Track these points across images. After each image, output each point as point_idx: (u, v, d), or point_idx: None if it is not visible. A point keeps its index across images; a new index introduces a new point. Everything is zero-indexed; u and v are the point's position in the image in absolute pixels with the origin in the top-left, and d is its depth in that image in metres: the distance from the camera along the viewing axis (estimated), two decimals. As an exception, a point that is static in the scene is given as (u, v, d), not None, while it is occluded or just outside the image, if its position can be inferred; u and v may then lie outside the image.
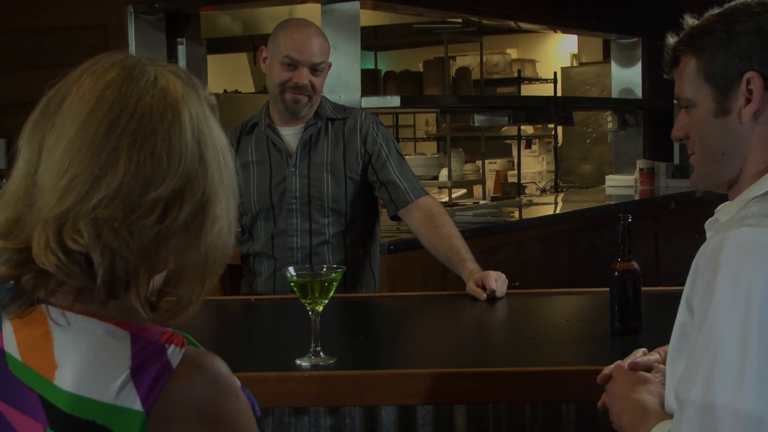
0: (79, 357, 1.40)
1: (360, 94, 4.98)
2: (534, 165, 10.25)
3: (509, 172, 9.39)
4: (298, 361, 2.35)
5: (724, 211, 1.78)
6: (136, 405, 1.36)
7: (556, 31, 8.35)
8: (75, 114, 1.40)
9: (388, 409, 2.33)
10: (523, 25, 7.39)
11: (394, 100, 5.25)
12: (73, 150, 1.38)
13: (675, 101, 1.85)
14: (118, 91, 1.40)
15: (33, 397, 1.40)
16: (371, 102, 5.16)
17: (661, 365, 1.95)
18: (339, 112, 3.46)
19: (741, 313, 1.53)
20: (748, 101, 1.71)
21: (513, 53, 10.48)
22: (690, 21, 1.82)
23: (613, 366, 1.97)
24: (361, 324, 2.83)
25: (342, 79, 4.83)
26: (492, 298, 3.04)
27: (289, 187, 3.36)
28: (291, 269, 2.42)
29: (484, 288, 3.05)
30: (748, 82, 1.71)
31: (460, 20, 6.92)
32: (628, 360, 1.97)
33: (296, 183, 3.36)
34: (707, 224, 1.85)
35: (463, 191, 8.42)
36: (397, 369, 2.33)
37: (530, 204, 6.63)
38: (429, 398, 2.28)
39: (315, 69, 3.31)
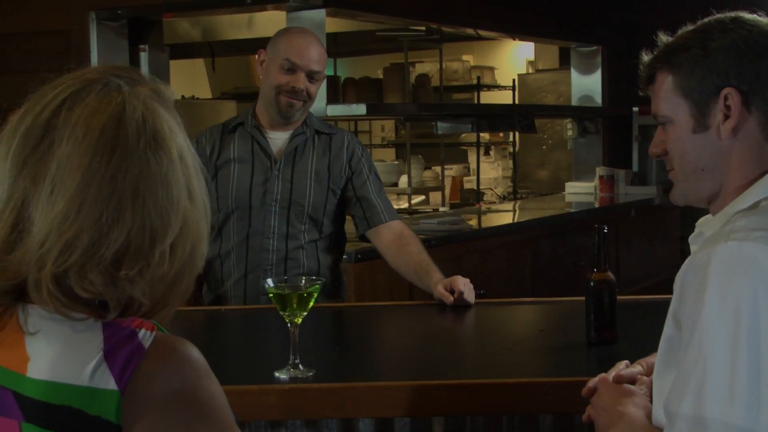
0: (52, 347, 1.41)
1: (326, 101, 4.97)
2: (490, 171, 10.28)
3: (465, 178, 9.42)
4: (276, 374, 2.33)
5: (708, 226, 1.80)
6: (111, 385, 1.38)
7: (515, 39, 8.38)
8: (74, 166, 1.40)
9: (366, 421, 2.32)
10: (483, 33, 7.40)
11: (360, 108, 5.24)
12: (77, 204, 1.39)
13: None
14: (114, 139, 1.41)
15: (6, 395, 1.42)
16: (337, 110, 5.15)
17: (645, 377, 1.96)
18: (326, 127, 3.48)
19: (730, 327, 1.54)
20: (727, 117, 1.73)
21: (470, 60, 10.51)
22: (664, 38, 1.84)
23: (597, 379, 1.98)
24: (336, 335, 2.82)
25: (307, 86, 4.80)
26: (461, 305, 3.04)
27: (271, 189, 3.35)
28: (269, 281, 2.41)
29: (452, 293, 3.06)
30: (726, 98, 1.72)
31: (423, 28, 6.92)
32: (612, 373, 1.98)
33: (279, 186, 3.36)
34: (691, 238, 1.86)
35: (422, 198, 8.43)
36: (375, 381, 2.33)
37: (489, 211, 6.64)
38: (408, 410, 2.27)
39: (312, 76, 3.33)
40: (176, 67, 9.63)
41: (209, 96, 10.30)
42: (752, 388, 1.52)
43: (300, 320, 2.37)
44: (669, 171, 1.84)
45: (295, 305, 2.35)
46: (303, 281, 2.42)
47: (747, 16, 1.77)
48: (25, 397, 1.41)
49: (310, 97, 3.37)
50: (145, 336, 1.42)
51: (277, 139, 3.41)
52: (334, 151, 3.43)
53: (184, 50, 8.07)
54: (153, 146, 1.44)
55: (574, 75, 7.88)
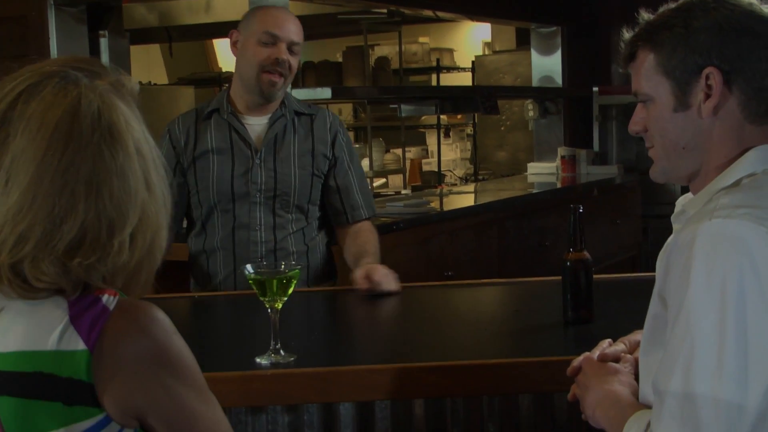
0: (18, 321, 1.47)
1: (290, 86, 4.94)
2: (449, 153, 10.30)
3: (424, 161, 9.43)
4: (258, 360, 2.32)
5: (690, 204, 1.81)
6: (80, 346, 1.45)
7: (473, 20, 8.38)
8: (27, 157, 1.44)
9: (347, 405, 2.32)
10: (442, 15, 7.40)
11: (325, 92, 5.21)
12: (29, 197, 1.44)
13: (633, 95, 1.87)
14: (68, 133, 1.46)
15: None
16: (301, 94, 5.10)
17: (629, 355, 1.98)
18: (305, 108, 3.38)
19: (717, 304, 1.55)
20: (708, 96, 1.74)
21: (428, 42, 10.50)
22: (645, 16, 1.84)
23: (581, 358, 1.99)
24: (317, 320, 2.81)
25: (270, 71, 4.77)
26: (378, 294, 3.02)
27: (254, 179, 3.24)
28: (249, 267, 2.40)
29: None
30: (708, 78, 1.73)
31: (384, 10, 6.91)
32: (596, 351, 1.99)
33: (262, 175, 3.25)
34: (673, 217, 1.88)
35: (383, 181, 8.43)
36: (356, 365, 2.32)
37: (451, 193, 6.65)
38: (390, 393, 2.28)
39: (292, 49, 3.23)
40: (133, 52, 9.58)
41: (166, 81, 10.23)
42: (740, 363, 1.53)
43: (280, 305, 2.36)
44: (649, 148, 1.85)
45: (275, 290, 2.34)
46: (282, 266, 2.41)
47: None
48: None
49: (291, 71, 3.25)
50: (109, 300, 1.49)
51: (256, 124, 3.30)
52: (317, 133, 3.32)
53: (141, 35, 8.00)
54: (108, 139, 1.48)
55: (534, 56, 7.89)
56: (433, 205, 5.65)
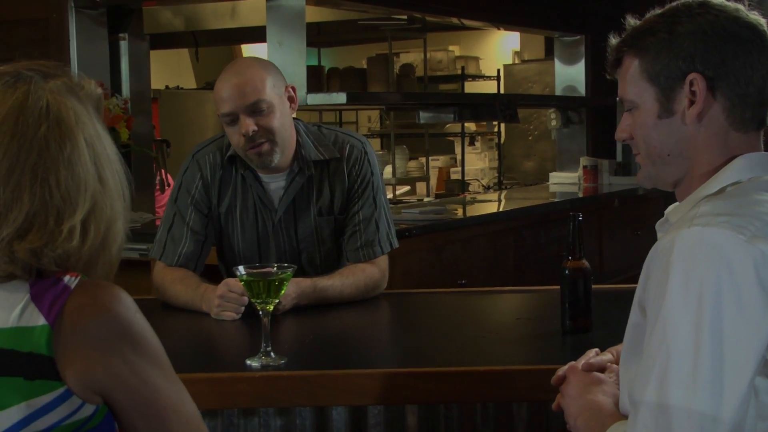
0: None
1: (306, 90, 4.94)
2: (476, 162, 10.28)
3: (452, 169, 9.41)
4: (248, 362, 2.32)
5: (674, 212, 1.79)
6: (40, 321, 1.48)
7: (499, 29, 8.36)
8: None
9: (339, 409, 2.31)
10: (467, 22, 7.39)
11: (340, 97, 5.22)
12: None
13: (618, 101, 1.86)
14: (14, 126, 1.52)
15: None
16: (317, 99, 5.14)
17: (615, 365, 1.96)
18: (325, 150, 3.08)
19: (693, 313, 1.54)
20: (692, 103, 1.72)
21: (456, 50, 10.50)
22: (632, 21, 1.83)
23: (566, 367, 1.97)
24: (311, 323, 2.80)
25: (288, 75, 4.73)
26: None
27: (278, 244, 3.07)
28: (240, 268, 2.39)
29: None
30: (691, 84, 1.72)
31: (405, 17, 6.90)
32: (581, 361, 1.97)
33: (284, 240, 3.07)
34: (658, 225, 1.86)
35: (407, 188, 8.42)
36: (348, 369, 2.31)
37: (474, 201, 6.64)
38: (381, 398, 2.27)
39: (255, 110, 2.90)
40: (161, 57, 9.64)
41: (194, 86, 10.28)
42: (715, 374, 1.51)
43: (271, 308, 2.35)
44: (635, 155, 1.84)
45: (266, 293, 2.34)
46: (275, 268, 2.40)
47: (714, 0, 1.76)
48: None
49: (270, 132, 2.92)
50: (70, 280, 1.53)
51: (273, 183, 3.06)
52: (334, 181, 3.08)
53: (168, 40, 8.05)
54: (56, 132, 1.53)
55: (558, 65, 7.87)
56: (458, 213, 5.64)
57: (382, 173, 6.73)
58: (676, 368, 1.53)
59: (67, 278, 1.53)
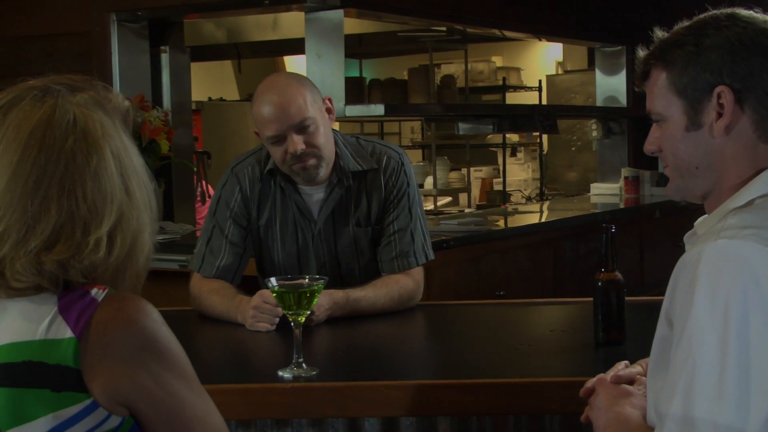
0: (10, 315, 1.54)
1: (344, 102, 4.96)
2: (519, 173, 10.26)
3: (495, 180, 9.39)
4: (280, 373, 2.33)
5: (702, 224, 1.78)
6: (67, 334, 1.50)
7: (540, 40, 8.34)
8: (4, 165, 1.54)
9: (372, 421, 2.32)
10: (508, 33, 7.38)
11: (378, 109, 5.23)
12: (5, 202, 1.52)
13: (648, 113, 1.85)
14: (41, 139, 1.54)
15: None
16: (355, 110, 5.15)
17: (644, 377, 1.94)
18: (363, 161, 3.09)
19: (719, 326, 1.53)
20: (720, 115, 1.71)
21: (498, 61, 10.48)
22: (660, 34, 1.82)
23: (595, 379, 1.96)
24: (344, 335, 2.81)
25: (326, 87, 4.79)
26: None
27: (317, 256, 3.08)
28: (273, 279, 2.41)
29: None
30: (719, 96, 1.71)
31: (444, 28, 6.90)
32: (610, 373, 1.96)
33: (324, 254, 3.08)
34: (686, 237, 1.85)
35: (449, 199, 8.41)
36: (380, 381, 2.32)
37: (515, 212, 6.62)
38: (412, 410, 2.27)
39: (302, 129, 2.92)
40: (205, 69, 9.73)
41: (237, 97, 10.34)
42: (741, 387, 1.50)
43: (303, 319, 2.36)
44: (664, 168, 1.83)
45: (297, 304, 2.35)
46: (306, 280, 2.42)
47: (743, 12, 1.74)
48: None
49: (316, 147, 2.94)
50: (98, 293, 1.55)
51: (313, 194, 3.07)
52: (370, 189, 3.09)
53: (211, 52, 8.10)
54: (83, 145, 1.56)
55: (599, 75, 7.83)
56: (499, 224, 5.63)
57: (423, 184, 6.71)
58: (702, 382, 1.52)
59: (94, 291, 1.55)
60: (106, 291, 1.55)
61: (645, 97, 1.85)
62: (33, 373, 1.50)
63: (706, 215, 1.82)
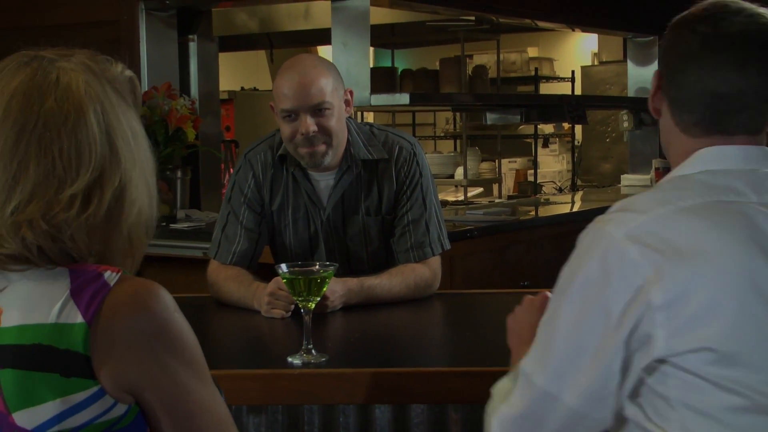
0: (21, 296, 1.52)
1: (369, 91, 4.95)
2: (554, 164, 10.22)
3: (529, 171, 9.36)
4: (289, 359, 2.34)
5: None
6: (78, 319, 1.49)
7: (573, 30, 8.29)
8: None
9: (383, 408, 2.32)
10: (540, 24, 7.34)
11: (404, 98, 5.22)
12: None
13: None
14: (22, 100, 1.54)
15: None
16: (381, 99, 5.14)
17: None
18: (374, 150, 3.09)
19: (562, 296, 1.65)
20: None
21: (533, 52, 10.45)
22: None
23: (529, 297, 2.03)
24: (357, 322, 2.81)
25: (351, 76, 4.79)
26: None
27: (327, 242, 3.09)
28: (283, 266, 2.42)
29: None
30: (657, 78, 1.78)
31: (473, 18, 6.88)
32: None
33: (333, 241, 3.09)
34: None
35: (480, 190, 8.39)
36: (389, 368, 2.32)
37: (546, 203, 6.59)
38: (422, 397, 2.27)
39: (318, 111, 2.93)
40: (239, 58, 9.76)
41: (269, 87, 10.33)
42: (566, 356, 1.62)
43: (313, 305, 2.37)
44: None
45: (307, 291, 2.36)
46: (317, 266, 2.42)
47: (730, 5, 1.73)
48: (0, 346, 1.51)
49: (330, 134, 2.95)
50: (111, 276, 1.53)
51: (322, 181, 3.08)
52: (381, 178, 3.08)
53: (243, 42, 8.12)
54: (63, 104, 1.54)
55: (631, 66, 7.76)
56: (530, 213, 5.61)
57: (453, 175, 6.68)
58: (536, 343, 1.68)
59: (107, 274, 1.53)
60: (119, 274, 1.54)
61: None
62: (43, 357, 1.50)
63: None
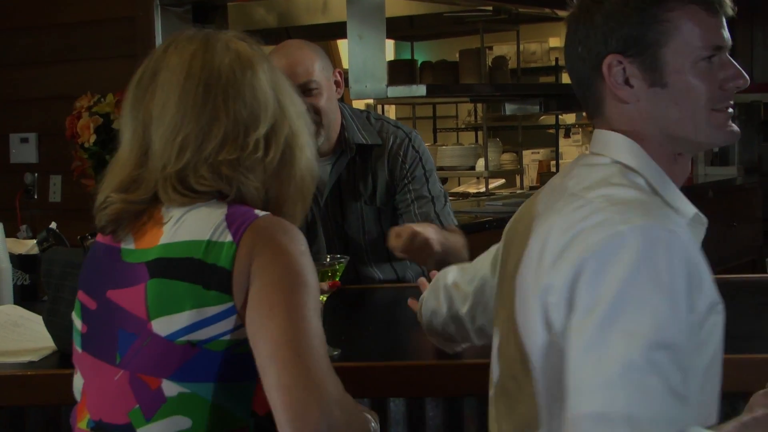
0: (183, 221, 1.72)
1: (386, 83, 4.93)
2: (576, 154, 10.13)
3: (552, 162, 9.30)
4: (301, 353, 2.31)
5: None
6: (228, 238, 1.67)
7: (593, 18, 8.21)
8: (172, 86, 1.75)
9: (397, 401, 2.31)
10: (560, 13, 7.28)
11: (420, 89, 5.20)
12: (179, 115, 1.73)
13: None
14: (202, 59, 1.75)
15: (139, 267, 1.72)
16: (397, 92, 5.11)
17: None
18: (369, 135, 3.13)
19: None
20: None
21: (554, 42, 10.37)
22: None
23: None
24: (367, 315, 2.80)
25: (368, 68, 4.78)
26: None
27: (325, 230, 3.12)
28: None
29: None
30: None
31: (490, 8, 6.84)
32: None
33: (331, 229, 3.13)
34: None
35: (502, 181, 8.35)
36: (403, 361, 2.30)
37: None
38: (435, 390, 2.26)
39: (304, 90, 2.95)
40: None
41: (290, 82, 10.32)
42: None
43: (324, 298, 2.35)
44: (732, 105, 1.78)
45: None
46: (328, 259, 2.40)
47: None
48: (153, 261, 1.70)
49: (318, 111, 3.00)
50: (262, 213, 1.72)
51: (320, 164, 3.10)
52: (374, 165, 3.13)
53: (263, 36, 8.07)
54: (237, 62, 1.77)
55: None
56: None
57: (474, 167, 6.64)
58: None
59: (258, 211, 1.72)
60: (269, 214, 1.73)
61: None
62: (191, 269, 1.66)
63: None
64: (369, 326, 2.74)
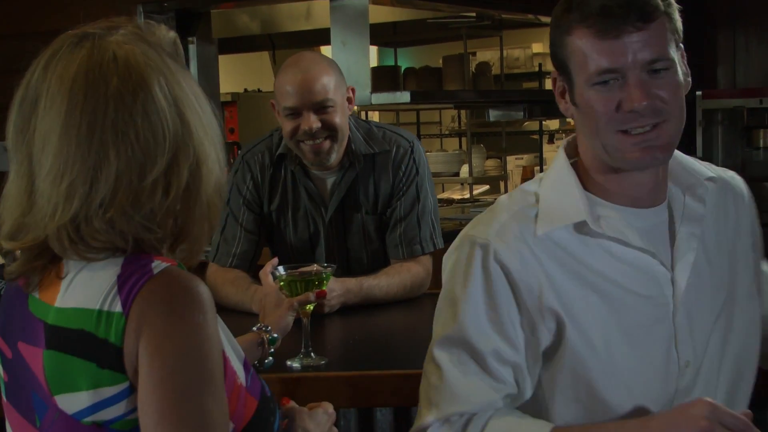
0: (79, 280, 1.50)
1: (370, 90, 4.92)
2: (560, 160, 10.13)
3: (536, 168, 9.31)
4: (288, 362, 2.31)
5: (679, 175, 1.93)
6: (117, 308, 1.44)
7: (576, 24, 8.22)
8: (52, 118, 1.48)
9: (384, 411, 2.30)
10: (543, 19, 7.29)
11: (405, 96, 5.20)
12: (63, 155, 1.47)
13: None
14: (85, 84, 1.47)
15: (38, 325, 1.52)
16: (382, 98, 5.11)
17: None
18: (375, 143, 3.10)
19: None
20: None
21: (537, 48, 10.38)
22: None
23: None
24: (355, 324, 2.78)
25: (351, 75, 4.76)
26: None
27: (328, 242, 3.08)
28: (280, 268, 2.39)
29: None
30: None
31: (473, 14, 6.84)
32: None
33: (333, 241, 3.09)
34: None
35: (486, 187, 8.35)
36: (390, 370, 2.29)
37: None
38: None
39: (320, 108, 2.94)
40: (242, 60, 9.71)
41: (272, 89, 10.30)
42: None
43: (311, 308, 2.34)
44: (660, 123, 1.75)
45: (304, 293, 2.33)
46: (314, 268, 2.40)
47: None
48: (50, 325, 1.50)
49: (332, 128, 2.96)
50: (158, 266, 1.47)
51: (325, 178, 3.09)
52: (378, 174, 3.09)
53: (245, 43, 8.09)
54: (128, 83, 1.48)
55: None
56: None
57: (458, 173, 6.65)
58: None
59: (155, 264, 1.48)
60: (167, 265, 1.48)
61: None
62: (84, 344, 1.46)
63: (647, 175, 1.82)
64: (355, 335, 2.73)
